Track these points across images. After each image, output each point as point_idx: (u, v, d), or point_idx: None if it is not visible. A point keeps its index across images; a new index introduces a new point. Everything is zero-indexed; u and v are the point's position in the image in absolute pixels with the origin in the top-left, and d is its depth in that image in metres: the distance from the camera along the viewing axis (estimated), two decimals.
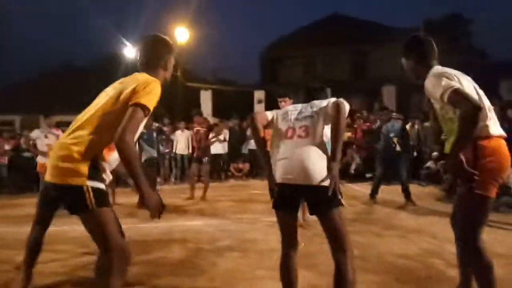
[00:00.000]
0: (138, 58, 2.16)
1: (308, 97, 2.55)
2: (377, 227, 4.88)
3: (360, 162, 10.19)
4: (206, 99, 15.13)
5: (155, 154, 7.30)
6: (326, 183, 2.14)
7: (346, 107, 2.26)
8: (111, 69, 17.89)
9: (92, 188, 1.84)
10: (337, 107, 2.20)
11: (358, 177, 9.84)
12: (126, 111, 1.84)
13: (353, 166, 10.24)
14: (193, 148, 8.25)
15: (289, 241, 2.36)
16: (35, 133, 6.76)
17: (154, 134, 7.51)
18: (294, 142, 2.28)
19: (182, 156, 10.57)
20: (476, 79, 2.29)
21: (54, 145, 1.97)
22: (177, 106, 15.51)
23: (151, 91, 1.88)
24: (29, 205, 7.66)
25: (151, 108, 1.87)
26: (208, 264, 3.54)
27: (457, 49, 17.73)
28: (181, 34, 14.82)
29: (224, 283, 3.08)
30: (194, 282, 3.11)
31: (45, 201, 2.88)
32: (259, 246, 4.10)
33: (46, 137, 6.59)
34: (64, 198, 1.91)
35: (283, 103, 4.66)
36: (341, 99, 2.28)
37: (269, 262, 3.49)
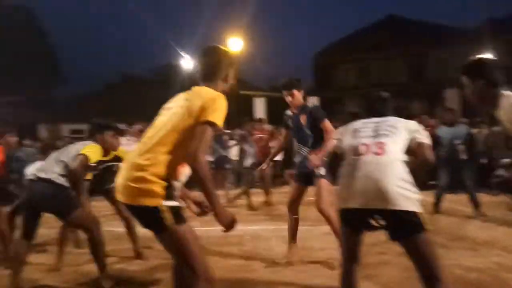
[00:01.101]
0: (197, 69, 2.17)
1: (372, 108, 2.44)
2: (443, 238, 4.60)
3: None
4: (259, 107, 15.27)
5: (224, 153, 7.75)
6: (409, 207, 1.96)
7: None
8: (168, 79, 18.71)
9: (169, 207, 1.84)
10: (422, 148, 2.14)
11: (419, 185, 9.36)
12: (195, 129, 1.86)
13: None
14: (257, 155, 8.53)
15: (352, 256, 2.22)
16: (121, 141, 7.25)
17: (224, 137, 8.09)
18: (369, 159, 2.07)
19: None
20: None
21: (125, 164, 1.95)
22: (230, 115, 15.79)
23: (218, 107, 1.89)
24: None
25: (220, 125, 1.89)
26: (265, 271, 3.55)
27: None
28: (235, 44, 15.15)
29: None
30: None
31: None
32: (317, 254, 4.03)
33: (131, 145, 7.19)
34: (140, 218, 1.92)
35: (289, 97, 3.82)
36: (426, 141, 2.19)
37: (327, 272, 3.43)
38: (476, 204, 5.96)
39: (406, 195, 1.99)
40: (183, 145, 1.86)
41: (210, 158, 7.47)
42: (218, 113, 1.88)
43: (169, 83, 18.34)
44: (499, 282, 3.13)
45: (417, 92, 17.74)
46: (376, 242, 4.39)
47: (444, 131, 6.33)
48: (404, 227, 1.98)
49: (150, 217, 1.84)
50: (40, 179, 3.08)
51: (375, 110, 2.39)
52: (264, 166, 4.10)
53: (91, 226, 3.14)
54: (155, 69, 26.49)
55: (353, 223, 2.14)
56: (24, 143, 9.86)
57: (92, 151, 3.15)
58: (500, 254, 3.88)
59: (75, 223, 3.27)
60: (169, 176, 1.87)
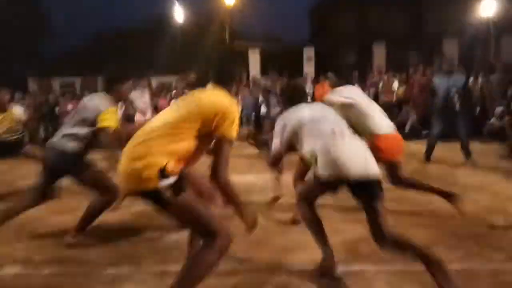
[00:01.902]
0: (211, 71, 2.19)
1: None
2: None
3: (416, 119, 9.74)
4: (254, 60, 14.96)
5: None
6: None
7: None
8: (160, 30, 18.16)
9: (165, 186, 1.87)
10: None
11: (413, 135, 9.44)
12: (202, 134, 1.91)
13: (408, 124, 9.82)
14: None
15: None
16: (134, 94, 7.37)
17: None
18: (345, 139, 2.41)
19: None
20: None
21: (126, 151, 1.97)
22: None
23: (233, 120, 1.94)
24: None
25: (235, 138, 1.95)
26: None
27: None
28: None
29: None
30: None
31: None
32: None
33: (143, 96, 7.61)
34: (145, 200, 1.96)
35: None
36: None
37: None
38: (467, 152, 6.03)
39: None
40: (183, 141, 1.90)
41: None
42: (234, 126, 1.94)
43: (161, 35, 17.88)
44: (486, 223, 3.22)
45: (416, 43, 17.39)
46: (340, 202, 4.49)
47: (440, 80, 6.26)
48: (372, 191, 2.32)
49: (152, 198, 1.89)
50: (52, 146, 3.05)
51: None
52: None
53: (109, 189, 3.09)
54: (147, 21, 25.61)
55: (330, 188, 2.46)
56: (15, 98, 9.74)
57: (112, 118, 3.01)
58: (488, 199, 3.98)
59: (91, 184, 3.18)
60: (167, 165, 1.87)
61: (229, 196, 1.94)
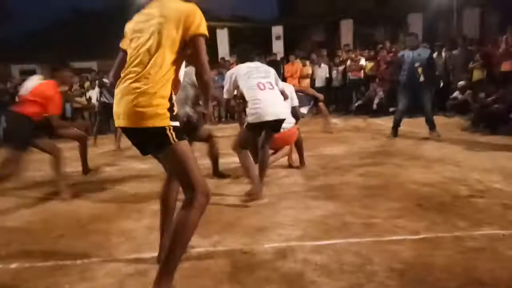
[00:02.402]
0: None
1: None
2: (399, 158, 4.85)
3: (383, 96, 9.93)
4: (222, 39, 14.73)
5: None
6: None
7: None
8: (122, 12, 17.48)
9: (173, 127, 1.93)
10: None
11: (381, 112, 9.65)
12: (180, 44, 1.96)
13: (375, 101, 10.01)
14: None
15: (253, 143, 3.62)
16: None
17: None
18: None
19: None
20: None
21: (120, 90, 1.97)
22: None
23: (201, 18, 1.98)
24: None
25: (207, 35, 2.00)
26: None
27: None
28: None
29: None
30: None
31: None
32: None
33: None
34: (144, 140, 2.02)
35: None
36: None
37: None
38: (431, 125, 6.23)
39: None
40: (175, 61, 1.97)
41: None
42: (203, 23, 1.98)
43: (124, 16, 17.19)
44: (449, 193, 3.37)
45: (382, 18, 17.53)
46: (338, 166, 4.59)
47: (406, 55, 6.38)
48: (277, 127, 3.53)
49: (156, 137, 1.92)
50: None
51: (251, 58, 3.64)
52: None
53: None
54: (108, 2, 24.56)
55: (256, 130, 3.48)
56: None
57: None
58: (452, 170, 4.15)
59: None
60: (170, 96, 1.97)
61: (208, 89, 2.08)
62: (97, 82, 9.57)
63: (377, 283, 2.01)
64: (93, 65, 15.28)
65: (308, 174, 4.35)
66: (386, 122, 7.71)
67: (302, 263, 2.27)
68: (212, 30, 15.23)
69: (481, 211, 2.91)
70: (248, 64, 3.59)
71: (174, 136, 1.92)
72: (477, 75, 8.94)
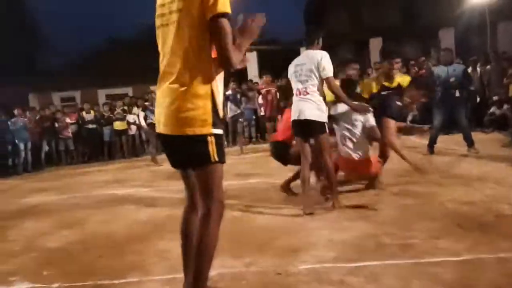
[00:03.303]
0: None
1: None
2: (437, 176, 4.69)
3: (416, 112, 9.71)
4: (251, 61, 14.99)
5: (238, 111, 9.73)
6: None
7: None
8: (155, 38, 18.15)
9: (215, 137, 1.78)
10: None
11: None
12: (210, 27, 1.72)
13: (409, 117, 9.80)
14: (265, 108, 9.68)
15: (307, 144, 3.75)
16: None
17: (238, 96, 9.96)
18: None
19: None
20: None
21: (161, 97, 1.83)
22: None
23: None
24: (95, 172, 8.28)
25: (230, 11, 1.73)
26: (264, 219, 3.64)
27: None
28: None
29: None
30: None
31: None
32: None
33: None
34: (185, 152, 1.83)
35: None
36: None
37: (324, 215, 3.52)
38: (470, 142, 6.02)
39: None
40: (205, 49, 1.76)
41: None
42: (221, 0, 1.70)
43: (155, 44, 17.86)
44: (492, 212, 3.21)
45: (411, 34, 17.31)
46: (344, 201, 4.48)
47: (440, 70, 6.27)
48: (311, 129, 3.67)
49: (196, 148, 1.77)
50: None
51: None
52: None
53: None
54: (143, 30, 25.64)
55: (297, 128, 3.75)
56: (15, 114, 9.80)
57: None
58: (492, 188, 3.97)
59: None
60: (213, 95, 1.78)
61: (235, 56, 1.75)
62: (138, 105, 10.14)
63: None
64: (129, 90, 15.91)
65: (341, 196, 4.28)
66: (421, 139, 7.51)
67: (338, 285, 2.21)
68: None
69: None
70: None
71: (215, 151, 1.77)
72: None
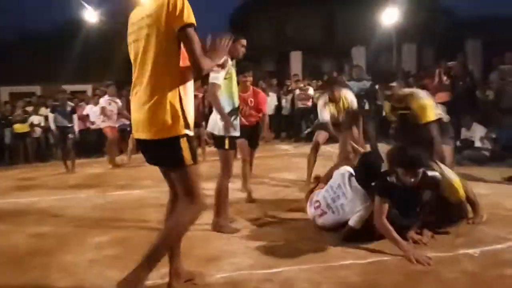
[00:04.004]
0: None
1: None
2: None
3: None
4: None
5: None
6: None
7: None
8: (71, 35, 16.96)
9: (187, 139, 1.92)
10: None
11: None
12: (171, 37, 1.87)
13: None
14: None
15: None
16: (102, 102, 7.73)
17: None
18: None
19: None
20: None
21: (135, 105, 1.99)
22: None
23: (182, 6, 1.86)
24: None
25: (194, 22, 1.89)
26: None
27: (423, 7, 17.84)
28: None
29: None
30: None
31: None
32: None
33: (109, 104, 7.57)
34: (159, 155, 2.00)
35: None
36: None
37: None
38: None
39: None
40: (172, 58, 1.91)
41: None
42: (188, 11, 1.87)
43: (71, 39, 16.69)
44: None
45: (329, 51, 18.46)
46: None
47: (351, 85, 6.76)
48: None
49: (170, 150, 1.91)
50: None
51: None
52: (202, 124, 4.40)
53: None
54: (56, 26, 23.76)
55: None
56: None
57: None
58: None
59: None
60: (181, 102, 1.92)
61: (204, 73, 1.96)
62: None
63: None
64: (37, 89, 14.62)
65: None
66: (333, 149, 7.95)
67: None
68: None
69: None
70: None
71: (189, 153, 1.91)
72: None
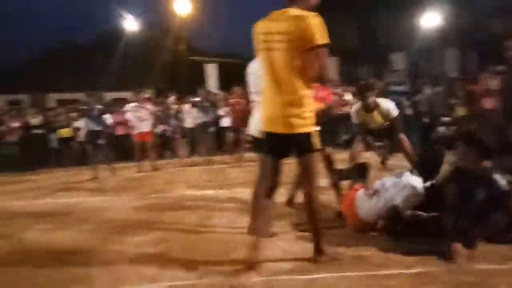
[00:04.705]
0: None
1: None
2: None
3: None
4: (211, 73, 14.90)
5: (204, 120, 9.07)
6: None
7: None
8: (113, 44, 17.67)
9: (316, 132, 2.42)
10: None
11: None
12: (299, 52, 2.27)
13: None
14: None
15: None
16: (127, 108, 8.12)
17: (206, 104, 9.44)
18: None
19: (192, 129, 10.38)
20: None
21: (271, 103, 2.42)
22: (181, 81, 15.37)
23: (321, 27, 2.25)
24: (42, 179, 7.78)
25: (328, 43, 2.27)
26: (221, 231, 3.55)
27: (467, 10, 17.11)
28: (182, 6, 14.35)
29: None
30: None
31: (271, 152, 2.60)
32: None
33: (136, 111, 7.80)
34: (293, 145, 2.45)
35: None
36: None
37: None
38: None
39: None
40: (297, 69, 2.32)
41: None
42: (323, 33, 2.25)
43: (112, 48, 17.35)
44: None
45: (367, 56, 18.11)
46: None
47: (393, 89, 6.57)
48: None
49: (304, 141, 2.40)
50: None
51: None
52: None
53: None
54: (98, 35, 24.85)
55: None
56: None
57: None
58: None
59: None
60: (306, 98, 2.38)
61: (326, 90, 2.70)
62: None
63: None
64: (81, 96, 15.27)
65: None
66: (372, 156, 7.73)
67: None
68: (201, 65, 15.50)
69: None
70: None
71: (317, 143, 2.41)
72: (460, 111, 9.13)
